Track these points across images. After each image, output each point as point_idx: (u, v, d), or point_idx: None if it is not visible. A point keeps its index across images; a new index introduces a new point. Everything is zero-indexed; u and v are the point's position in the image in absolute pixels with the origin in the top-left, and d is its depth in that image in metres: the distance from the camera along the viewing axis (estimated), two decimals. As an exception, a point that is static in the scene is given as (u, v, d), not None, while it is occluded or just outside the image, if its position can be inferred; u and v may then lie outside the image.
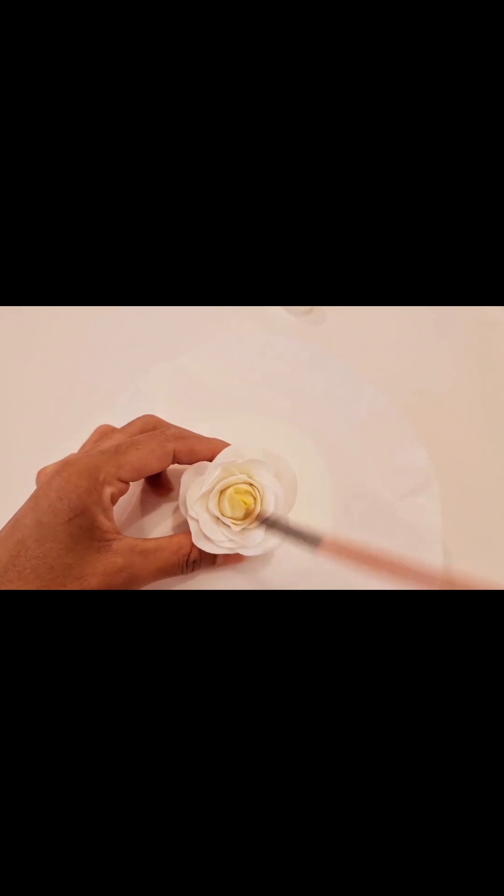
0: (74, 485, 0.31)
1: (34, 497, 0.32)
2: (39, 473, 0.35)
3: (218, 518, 0.34)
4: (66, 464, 0.32)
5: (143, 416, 0.36)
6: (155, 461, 0.33)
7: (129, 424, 0.36)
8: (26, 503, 0.32)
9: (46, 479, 0.32)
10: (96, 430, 0.37)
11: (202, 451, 0.35)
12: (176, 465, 0.35)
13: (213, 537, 0.34)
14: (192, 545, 0.34)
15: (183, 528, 0.35)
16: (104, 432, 0.37)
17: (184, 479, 0.35)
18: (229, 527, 0.34)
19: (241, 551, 0.34)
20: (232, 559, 0.36)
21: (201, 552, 0.34)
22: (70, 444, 0.37)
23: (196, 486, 0.35)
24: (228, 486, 0.34)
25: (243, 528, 0.34)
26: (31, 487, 0.33)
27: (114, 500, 0.32)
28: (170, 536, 0.34)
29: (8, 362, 0.47)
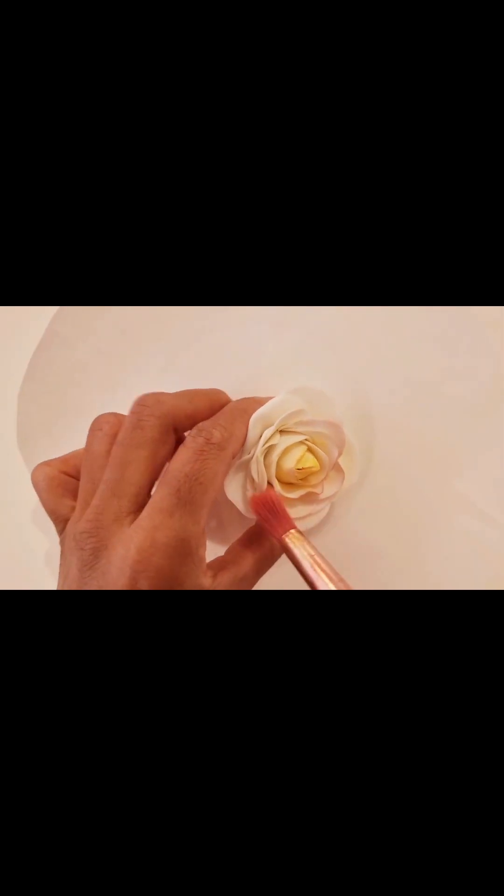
0: (168, 577, 0.25)
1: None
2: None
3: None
4: (140, 552, 0.25)
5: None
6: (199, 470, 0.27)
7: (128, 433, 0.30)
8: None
9: (126, 580, 0.25)
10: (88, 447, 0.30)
11: (202, 408, 0.29)
12: None
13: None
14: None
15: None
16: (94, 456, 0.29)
17: (230, 496, 0.31)
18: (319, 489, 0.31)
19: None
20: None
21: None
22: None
23: (245, 484, 0.31)
24: (280, 459, 0.31)
25: (329, 473, 0.32)
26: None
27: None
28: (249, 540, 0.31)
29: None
